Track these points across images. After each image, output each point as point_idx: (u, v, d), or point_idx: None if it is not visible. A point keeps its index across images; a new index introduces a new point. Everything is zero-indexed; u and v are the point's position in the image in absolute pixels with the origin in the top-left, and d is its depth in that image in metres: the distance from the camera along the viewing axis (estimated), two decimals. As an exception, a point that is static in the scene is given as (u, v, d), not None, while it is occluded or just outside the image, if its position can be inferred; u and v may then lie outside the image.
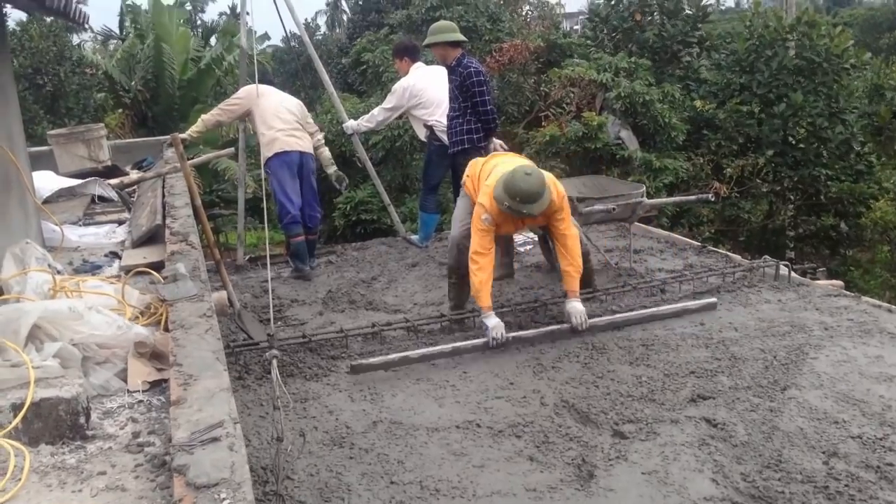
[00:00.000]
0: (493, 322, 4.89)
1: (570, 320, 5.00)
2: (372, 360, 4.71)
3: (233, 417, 1.94)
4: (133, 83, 17.89)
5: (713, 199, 7.54)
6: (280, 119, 6.84)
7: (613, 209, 6.13)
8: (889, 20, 37.16)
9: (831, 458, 3.48)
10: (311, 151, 7.10)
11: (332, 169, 7.39)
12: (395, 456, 3.71)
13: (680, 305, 5.38)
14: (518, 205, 4.72)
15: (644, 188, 6.49)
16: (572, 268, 5.06)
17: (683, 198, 8.07)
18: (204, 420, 1.93)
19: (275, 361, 3.77)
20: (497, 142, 6.52)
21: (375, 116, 7.56)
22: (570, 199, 6.09)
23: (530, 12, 18.70)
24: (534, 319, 5.35)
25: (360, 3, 23.50)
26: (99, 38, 25.33)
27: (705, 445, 3.65)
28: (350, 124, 7.82)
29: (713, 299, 5.47)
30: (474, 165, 5.55)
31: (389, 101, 7.40)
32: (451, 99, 6.51)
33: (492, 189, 4.86)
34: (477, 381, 4.50)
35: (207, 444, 1.81)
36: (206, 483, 1.68)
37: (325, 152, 7.44)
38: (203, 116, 7.08)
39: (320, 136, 7.40)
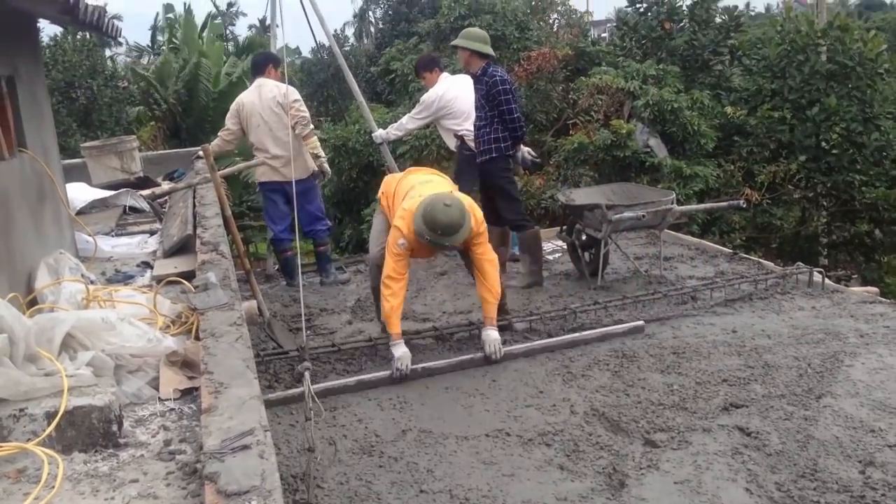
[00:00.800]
0: (400, 352, 4.76)
1: (485, 349, 4.87)
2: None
3: (263, 425, 1.95)
4: (167, 96, 18.14)
5: (744, 206, 7.46)
6: (273, 141, 6.67)
7: (643, 216, 6.09)
8: (923, 23, 36.58)
9: (868, 468, 3.42)
10: (305, 174, 6.83)
11: (317, 161, 7.20)
12: (425, 464, 3.70)
13: (603, 330, 5.18)
14: (439, 237, 4.60)
15: (674, 195, 6.44)
16: (490, 294, 4.94)
17: (714, 204, 8.00)
18: (235, 428, 1.94)
19: (307, 374, 3.78)
20: (525, 149, 6.51)
21: (405, 125, 7.59)
22: (598, 205, 6.07)
23: (558, 20, 18.67)
24: (562, 327, 5.33)
25: (390, 13, 23.65)
26: (133, 52, 25.74)
27: (738, 454, 3.60)
28: (380, 133, 7.85)
29: (640, 322, 5.26)
30: (389, 183, 5.42)
31: (419, 112, 7.41)
32: (477, 108, 6.50)
33: (410, 215, 4.71)
34: (506, 389, 4.48)
35: (238, 451, 1.82)
36: (236, 491, 1.69)
37: (312, 142, 6.93)
38: (212, 144, 7.07)
39: (306, 125, 6.82)
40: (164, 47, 21.31)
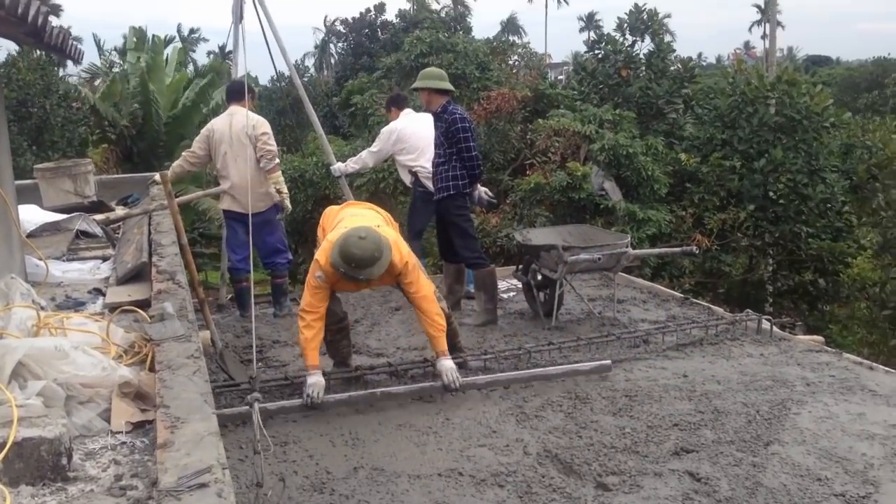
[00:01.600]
0: (313, 380, 4.73)
1: (443, 379, 4.87)
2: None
3: (221, 463, 1.91)
4: (119, 119, 17.93)
5: (696, 252, 7.61)
6: (237, 171, 6.63)
7: (599, 258, 6.17)
8: (867, 80, 38.04)
9: (815, 516, 3.47)
10: (265, 206, 6.84)
11: (280, 196, 7.15)
12: (377, 503, 3.66)
13: (570, 367, 5.21)
14: (353, 270, 4.58)
15: (629, 238, 6.54)
16: (433, 329, 4.94)
17: (668, 249, 8.15)
18: (192, 464, 1.90)
19: (256, 405, 3.73)
20: (481, 188, 6.57)
21: (363, 158, 7.67)
22: (555, 246, 6.14)
23: (518, 62, 19.01)
24: (516, 367, 5.34)
25: (352, 45, 23.81)
26: (83, 74, 25.38)
27: (689, 500, 3.63)
28: (338, 166, 7.89)
29: (608, 361, 5.30)
30: (327, 215, 5.46)
31: (376, 145, 7.55)
32: (436, 145, 6.56)
33: (329, 247, 4.71)
34: (459, 427, 4.47)
35: (195, 489, 1.78)
36: (194, 530, 1.65)
37: (275, 177, 6.86)
38: (174, 164, 7.06)
39: (271, 160, 6.77)
40: (116, 69, 21.10)
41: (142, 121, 18.20)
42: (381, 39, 24.74)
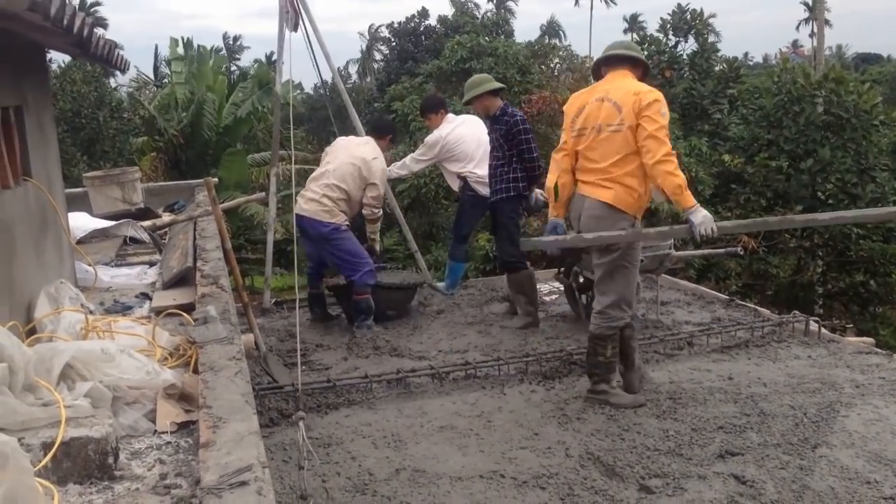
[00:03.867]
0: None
1: (695, 234, 4.49)
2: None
3: (261, 461, 1.94)
4: (169, 128, 18.31)
5: (741, 254, 7.48)
6: (316, 173, 6.73)
7: (642, 260, 6.10)
8: (920, 77, 37.12)
9: (864, 520, 3.40)
10: (316, 215, 6.48)
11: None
12: (418, 505, 3.67)
13: None
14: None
15: (672, 240, 6.46)
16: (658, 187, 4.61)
17: (712, 251, 8.02)
18: (233, 463, 1.93)
19: (301, 423, 3.76)
20: (538, 191, 6.52)
21: (408, 165, 7.63)
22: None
23: (559, 64, 18.95)
24: (558, 370, 5.32)
25: (397, 49, 23.95)
26: (133, 83, 25.97)
27: (734, 503, 3.58)
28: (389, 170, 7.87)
29: None
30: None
31: (423, 153, 7.37)
32: (494, 148, 6.53)
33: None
34: (501, 430, 4.47)
35: (236, 487, 1.82)
36: (234, 527, 1.68)
37: (374, 228, 6.90)
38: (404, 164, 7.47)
39: (371, 202, 6.66)
40: (167, 80, 21.60)
41: (191, 130, 18.56)
42: (425, 45, 24.85)
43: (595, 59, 5.18)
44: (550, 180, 4.87)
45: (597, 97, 4.72)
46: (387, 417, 4.71)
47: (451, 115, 7.50)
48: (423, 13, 29.28)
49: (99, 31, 3.95)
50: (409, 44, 24.60)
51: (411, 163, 7.58)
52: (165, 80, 23.34)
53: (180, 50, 20.98)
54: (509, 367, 5.35)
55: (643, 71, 4.93)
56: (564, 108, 5.01)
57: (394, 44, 26.74)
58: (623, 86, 4.68)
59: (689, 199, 4.52)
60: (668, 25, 15.15)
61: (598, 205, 4.63)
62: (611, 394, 4.77)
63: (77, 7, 3.33)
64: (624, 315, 4.70)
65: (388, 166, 7.82)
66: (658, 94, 4.63)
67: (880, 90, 15.21)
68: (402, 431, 4.49)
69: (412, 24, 28.17)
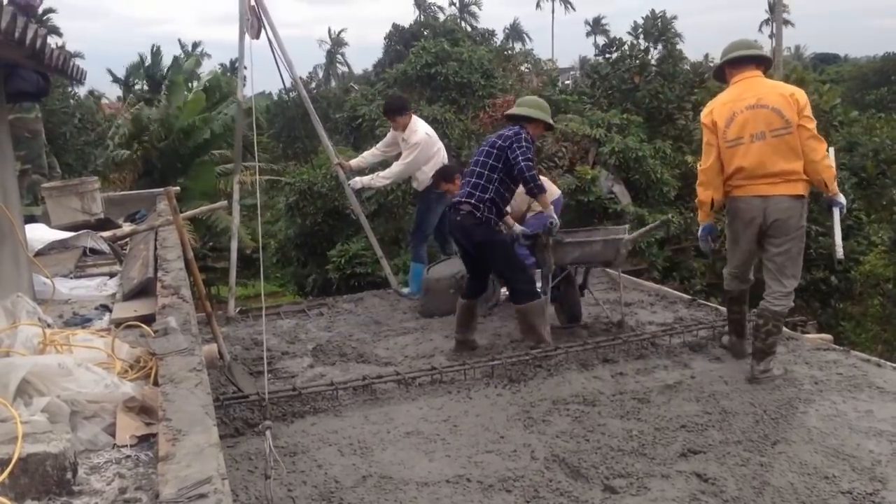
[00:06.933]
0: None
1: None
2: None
3: (221, 473, 1.94)
4: (142, 139, 18.21)
5: (672, 220, 7.63)
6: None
7: (584, 244, 6.10)
8: (876, 76, 37.87)
9: (822, 515, 3.47)
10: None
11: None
12: (385, 512, 3.68)
13: None
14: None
15: (627, 226, 6.54)
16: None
17: (651, 226, 8.05)
18: (192, 476, 1.92)
19: (268, 433, 3.75)
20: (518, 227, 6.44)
21: (396, 172, 7.59)
22: (537, 235, 6.05)
23: (529, 68, 19.10)
24: (524, 373, 5.34)
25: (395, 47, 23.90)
26: (97, 93, 25.75)
27: (696, 500, 3.64)
28: (360, 180, 7.83)
29: None
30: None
31: (411, 156, 7.36)
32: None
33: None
34: (467, 434, 4.49)
35: (195, 500, 1.81)
36: (192, 540, 1.67)
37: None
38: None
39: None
40: (136, 90, 21.61)
41: (163, 139, 18.49)
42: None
43: (719, 62, 5.42)
44: (707, 195, 5.20)
45: (747, 105, 5.00)
46: (353, 424, 4.71)
47: (414, 116, 7.55)
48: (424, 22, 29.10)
49: (54, 40, 3.91)
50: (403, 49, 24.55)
51: (399, 169, 7.52)
52: (141, 92, 23.26)
53: (150, 60, 20.94)
54: (475, 371, 5.37)
55: (767, 66, 5.36)
56: (705, 121, 5.19)
57: (390, 51, 26.54)
58: (771, 89, 5.09)
59: (836, 186, 5.17)
60: (640, 30, 15.32)
61: (787, 199, 4.98)
62: (776, 368, 5.14)
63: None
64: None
65: (354, 172, 7.84)
66: (804, 92, 5.16)
67: (838, 89, 15.51)
68: (368, 438, 4.49)
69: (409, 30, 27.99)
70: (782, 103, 4.94)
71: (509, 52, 18.54)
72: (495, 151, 5.75)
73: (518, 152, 5.64)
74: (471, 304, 6.00)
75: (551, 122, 6.25)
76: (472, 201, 5.73)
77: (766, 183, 4.98)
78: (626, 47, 14.98)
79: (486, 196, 5.72)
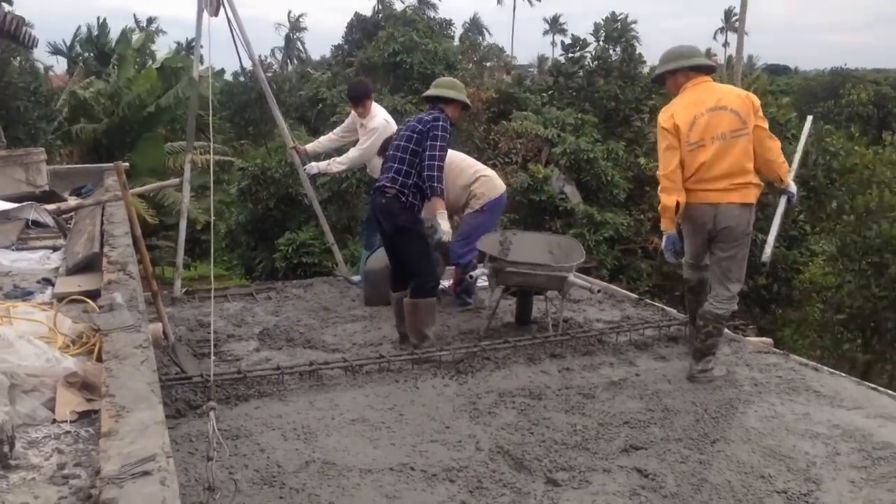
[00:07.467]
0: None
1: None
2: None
3: (166, 451, 1.90)
4: (90, 114, 17.81)
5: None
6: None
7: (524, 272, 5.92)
8: (824, 90, 38.86)
9: (757, 513, 3.55)
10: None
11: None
12: (327, 497, 3.66)
13: None
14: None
15: (574, 265, 6.05)
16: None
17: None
18: (136, 453, 1.89)
19: (212, 414, 3.69)
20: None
21: (351, 158, 7.47)
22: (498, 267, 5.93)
23: (495, 63, 19.18)
24: (471, 365, 5.36)
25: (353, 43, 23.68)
26: (44, 66, 25.11)
27: (636, 495, 3.69)
28: (316, 165, 7.72)
29: None
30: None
31: (369, 142, 7.19)
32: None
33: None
34: (413, 423, 4.49)
35: (138, 477, 1.78)
36: (134, 517, 1.64)
37: None
38: None
39: None
40: (83, 62, 21.11)
41: (110, 113, 18.12)
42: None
43: (672, 67, 5.30)
44: (672, 200, 5.09)
45: (708, 108, 5.04)
46: (298, 410, 4.67)
47: (374, 103, 7.49)
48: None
49: (6, 7, 3.79)
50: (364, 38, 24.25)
51: (356, 155, 7.40)
52: (85, 62, 22.67)
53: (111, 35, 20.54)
54: (423, 361, 5.36)
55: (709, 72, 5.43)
56: (666, 126, 5.12)
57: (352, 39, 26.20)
58: (728, 91, 5.28)
59: (790, 177, 5.34)
60: (602, 31, 15.45)
61: (737, 207, 5.05)
62: (714, 368, 5.23)
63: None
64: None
65: (310, 157, 7.74)
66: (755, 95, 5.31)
67: (792, 104, 15.90)
68: (312, 424, 4.46)
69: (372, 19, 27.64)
70: (740, 105, 5.04)
71: (478, 46, 18.62)
72: (416, 136, 5.69)
73: (431, 143, 5.59)
74: (403, 296, 5.95)
75: (467, 101, 6.18)
76: (397, 187, 5.66)
77: (719, 189, 5.04)
78: (590, 49, 15.11)
79: (410, 182, 5.66)
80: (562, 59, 16.34)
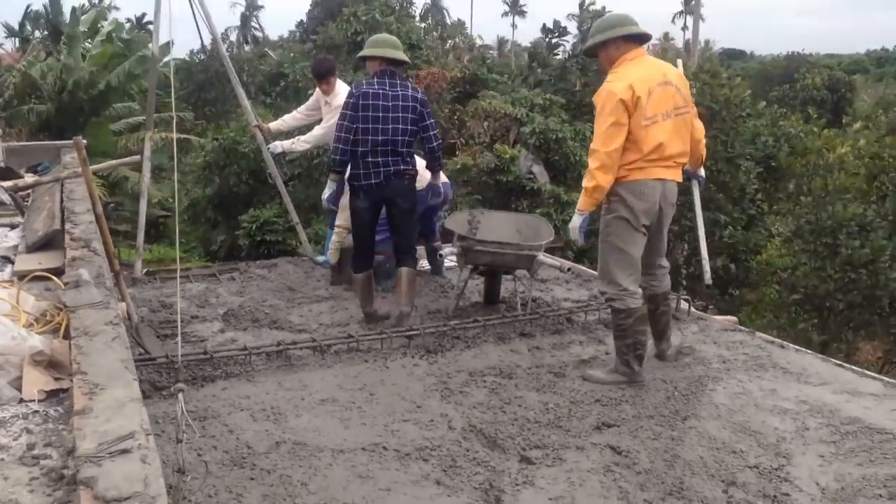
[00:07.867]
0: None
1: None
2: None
3: (145, 429, 1.84)
4: (37, 93, 17.38)
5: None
6: None
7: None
8: (779, 74, 39.43)
9: (730, 487, 3.58)
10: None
11: None
12: (299, 478, 3.60)
13: None
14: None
15: (544, 243, 6.07)
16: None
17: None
18: (113, 430, 1.82)
19: (180, 395, 3.60)
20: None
21: (316, 136, 7.32)
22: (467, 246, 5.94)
23: (461, 42, 19.10)
24: (441, 345, 5.33)
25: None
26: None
27: (610, 472, 3.70)
28: (279, 144, 7.58)
29: None
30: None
31: (333, 120, 6.92)
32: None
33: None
34: (384, 403, 4.44)
35: (117, 455, 1.71)
36: (116, 497, 1.57)
37: None
38: None
39: None
40: (34, 39, 20.60)
41: (59, 92, 17.68)
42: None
43: (606, 36, 4.75)
44: (608, 181, 4.61)
45: (658, 82, 4.64)
46: (266, 390, 4.60)
47: (339, 80, 7.36)
48: None
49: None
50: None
51: (321, 132, 7.25)
52: (33, 43, 22.08)
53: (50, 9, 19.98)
54: (392, 340, 5.32)
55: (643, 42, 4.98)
56: (625, 97, 4.52)
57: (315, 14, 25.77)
58: (669, 67, 4.92)
59: None
60: (576, 20, 15.54)
61: (675, 185, 4.86)
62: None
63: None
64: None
65: (273, 135, 7.60)
66: None
67: (746, 84, 16.05)
68: (282, 404, 4.39)
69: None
70: (681, 83, 4.79)
71: (442, 26, 18.54)
72: (415, 117, 5.67)
73: (430, 118, 5.79)
74: (368, 276, 5.92)
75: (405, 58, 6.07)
76: (411, 167, 5.80)
77: (664, 166, 4.70)
78: (567, 38, 15.22)
79: (412, 158, 5.85)
80: (543, 43, 16.36)
